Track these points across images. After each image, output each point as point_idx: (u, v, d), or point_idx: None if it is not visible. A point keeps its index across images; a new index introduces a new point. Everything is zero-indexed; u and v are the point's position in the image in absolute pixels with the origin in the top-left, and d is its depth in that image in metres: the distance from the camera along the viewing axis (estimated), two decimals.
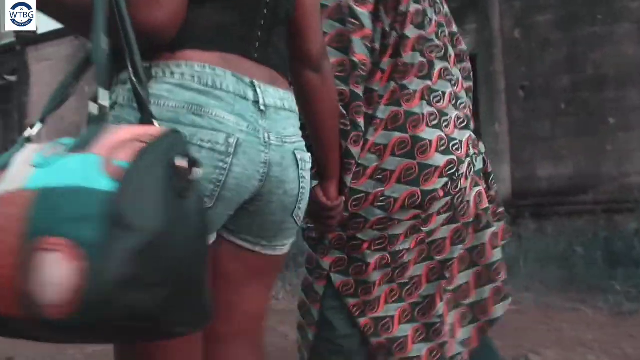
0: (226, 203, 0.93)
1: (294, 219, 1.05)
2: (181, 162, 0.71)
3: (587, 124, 5.81)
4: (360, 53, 1.33)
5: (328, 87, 1.15)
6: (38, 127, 0.84)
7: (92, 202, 0.66)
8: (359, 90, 1.34)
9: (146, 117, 0.80)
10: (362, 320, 1.42)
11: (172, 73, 0.89)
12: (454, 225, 1.45)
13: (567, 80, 5.89)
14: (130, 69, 0.80)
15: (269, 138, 0.96)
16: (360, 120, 1.34)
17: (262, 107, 0.95)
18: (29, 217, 0.66)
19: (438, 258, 1.46)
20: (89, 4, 0.79)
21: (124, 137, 0.71)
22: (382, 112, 1.37)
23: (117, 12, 0.79)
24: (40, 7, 0.92)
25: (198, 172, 0.73)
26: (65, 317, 0.64)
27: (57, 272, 0.63)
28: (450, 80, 1.46)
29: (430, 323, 1.45)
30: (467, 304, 1.52)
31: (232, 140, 0.90)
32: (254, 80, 0.96)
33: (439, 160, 1.36)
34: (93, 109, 0.77)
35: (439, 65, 1.43)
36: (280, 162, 0.98)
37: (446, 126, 1.40)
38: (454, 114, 1.44)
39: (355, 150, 1.34)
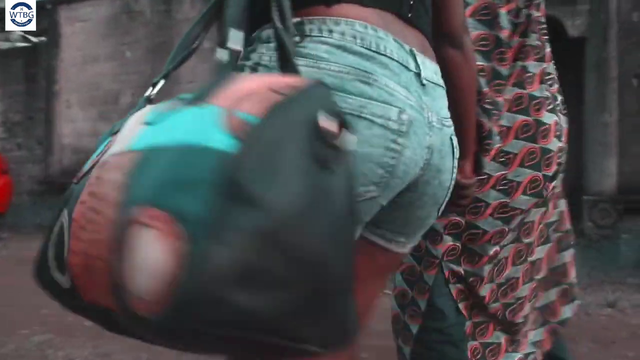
0: (388, 193, 0.78)
1: (437, 214, 0.91)
2: (328, 123, 0.55)
3: None
4: (505, 29, 1.28)
5: (469, 64, 1.02)
6: (160, 84, 0.70)
7: (202, 164, 0.51)
8: (502, 68, 1.28)
9: (289, 69, 0.65)
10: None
11: (331, 31, 0.76)
12: (541, 225, 1.38)
13: None
14: (276, 13, 0.66)
15: (431, 118, 0.82)
16: (501, 100, 1.27)
17: (423, 81, 0.82)
18: (128, 182, 0.53)
19: (530, 259, 1.40)
20: None
21: (254, 87, 0.56)
22: (508, 92, 1.31)
23: None
24: None
25: (350, 139, 0.57)
26: (154, 315, 0.49)
27: (152, 254, 0.49)
28: (555, 63, 1.42)
29: (515, 322, 1.40)
30: (537, 308, 1.47)
31: (404, 117, 0.76)
32: (413, 49, 0.82)
33: (555, 145, 1.32)
34: (221, 54, 0.64)
35: (548, 48, 1.40)
36: (440, 148, 0.84)
37: (559, 111, 1.38)
38: (559, 98, 1.42)
39: (495, 131, 1.28)
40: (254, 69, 0.77)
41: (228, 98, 0.55)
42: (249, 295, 0.48)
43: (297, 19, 0.74)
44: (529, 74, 1.33)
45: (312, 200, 0.51)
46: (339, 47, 0.76)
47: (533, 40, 1.34)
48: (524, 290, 1.40)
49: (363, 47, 0.76)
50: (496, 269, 1.36)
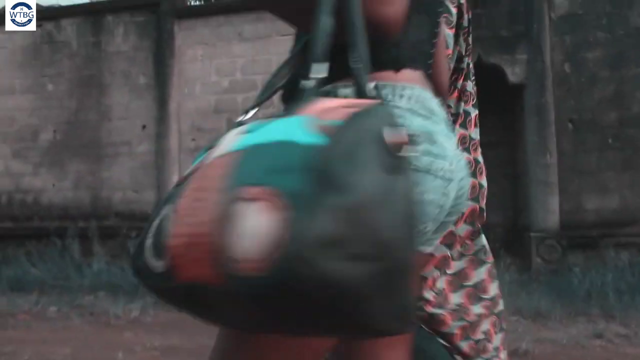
0: (436, 223, 0.91)
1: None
2: (392, 135, 0.65)
3: (632, 159, 5.97)
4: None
5: None
6: (252, 112, 0.80)
7: (298, 154, 0.61)
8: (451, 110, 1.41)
9: (361, 96, 0.74)
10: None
11: (401, 96, 0.86)
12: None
13: (614, 116, 6.04)
14: (353, 54, 0.75)
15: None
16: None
17: (450, 125, 0.95)
18: (232, 172, 0.62)
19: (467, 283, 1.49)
20: None
21: (333, 104, 0.68)
22: (456, 131, 1.42)
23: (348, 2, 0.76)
24: None
25: (410, 149, 0.67)
26: (260, 273, 0.57)
27: (258, 223, 0.58)
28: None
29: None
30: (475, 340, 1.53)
31: (452, 167, 0.88)
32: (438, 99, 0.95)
33: (485, 182, 1.47)
34: (305, 84, 0.73)
35: (475, 112, 1.53)
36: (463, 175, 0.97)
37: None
38: (480, 161, 1.55)
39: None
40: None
41: (313, 110, 0.67)
42: (339, 260, 0.56)
43: (373, 83, 0.80)
44: (469, 117, 1.48)
45: (384, 192, 0.61)
46: (408, 110, 0.85)
47: (471, 87, 1.48)
48: (474, 314, 1.49)
49: (423, 109, 0.87)
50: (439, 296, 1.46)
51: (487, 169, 1.50)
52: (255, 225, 0.58)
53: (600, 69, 6.08)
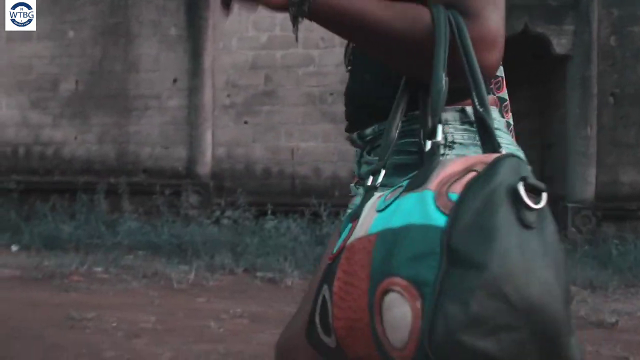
0: None
1: None
2: (525, 187, 0.62)
3: None
4: None
5: None
6: (382, 174, 0.82)
7: (425, 239, 0.62)
8: None
9: (491, 147, 0.74)
10: None
11: (494, 118, 0.87)
12: None
13: None
14: (476, 100, 0.76)
15: None
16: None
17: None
18: (371, 261, 0.67)
19: None
20: (423, 41, 0.78)
21: (457, 169, 0.67)
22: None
23: (464, 49, 0.77)
24: (363, 44, 0.88)
25: (544, 199, 0.63)
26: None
27: (400, 313, 0.62)
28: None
29: None
30: None
31: None
32: None
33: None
34: (428, 145, 0.75)
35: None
36: None
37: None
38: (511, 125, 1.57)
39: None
40: (451, 147, 0.87)
41: (437, 182, 0.67)
42: (480, 338, 0.57)
43: (470, 107, 0.84)
44: (497, 79, 1.45)
45: (524, 253, 0.60)
46: (497, 129, 0.86)
47: (502, 71, 1.44)
48: None
49: (499, 129, 0.89)
50: None
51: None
52: (397, 316, 0.62)
53: None
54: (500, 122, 0.96)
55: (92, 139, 6.83)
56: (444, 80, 0.76)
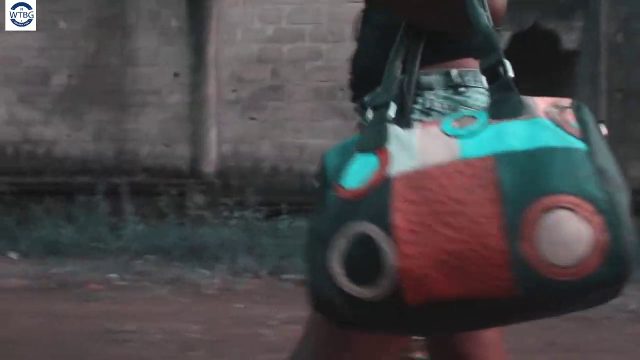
0: None
1: None
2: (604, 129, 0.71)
3: None
4: None
5: None
6: (393, 108, 0.79)
7: (582, 160, 0.66)
8: None
9: (500, 91, 0.75)
10: None
11: (480, 81, 0.89)
12: None
13: None
14: (491, 53, 0.76)
15: None
16: None
17: None
18: (499, 182, 0.65)
19: None
20: None
21: (550, 102, 0.71)
22: None
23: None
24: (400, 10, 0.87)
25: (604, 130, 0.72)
26: (577, 277, 0.63)
27: (572, 230, 0.63)
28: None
29: None
30: None
31: None
32: None
33: None
34: (506, 72, 0.74)
35: None
36: None
37: None
38: None
39: None
40: (427, 113, 0.88)
41: (543, 112, 0.70)
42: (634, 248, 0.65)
43: (456, 70, 0.88)
44: None
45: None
46: (482, 93, 0.88)
47: None
48: None
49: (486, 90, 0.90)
50: None
51: None
52: (571, 232, 0.63)
53: None
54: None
55: (86, 136, 6.44)
56: (486, 15, 0.76)
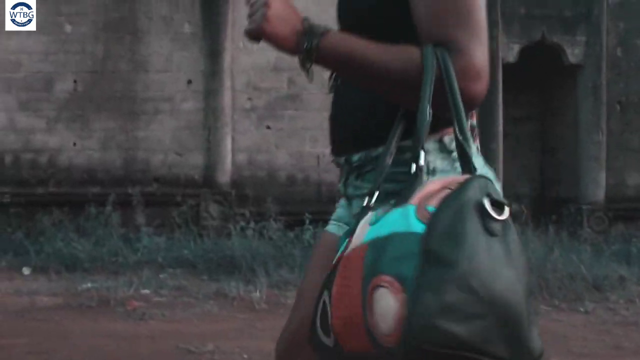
0: None
1: None
2: (490, 202, 0.76)
3: None
4: None
5: None
6: (374, 197, 0.91)
7: (407, 243, 0.75)
8: None
9: (468, 170, 0.87)
10: None
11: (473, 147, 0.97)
12: None
13: None
14: (457, 130, 0.87)
15: None
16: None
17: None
18: (363, 264, 0.79)
19: None
20: (415, 79, 0.88)
21: (435, 188, 0.80)
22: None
23: (448, 84, 0.88)
24: (359, 81, 0.98)
25: (507, 212, 0.77)
26: (392, 345, 0.73)
27: (386, 304, 0.74)
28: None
29: None
30: None
31: None
32: None
33: None
34: (413, 168, 0.86)
35: None
36: None
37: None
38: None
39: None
40: (433, 173, 0.97)
41: (419, 198, 0.80)
42: (452, 323, 0.70)
43: (448, 137, 0.98)
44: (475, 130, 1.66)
45: (490, 254, 0.74)
46: (476, 154, 0.98)
47: None
48: None
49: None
50: None
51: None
52: (384, 307, 0.74)
53: None
54: (473, 147, 1.03)
55: (93, 145, 6.16)
56: (428, 111, 0.87)
